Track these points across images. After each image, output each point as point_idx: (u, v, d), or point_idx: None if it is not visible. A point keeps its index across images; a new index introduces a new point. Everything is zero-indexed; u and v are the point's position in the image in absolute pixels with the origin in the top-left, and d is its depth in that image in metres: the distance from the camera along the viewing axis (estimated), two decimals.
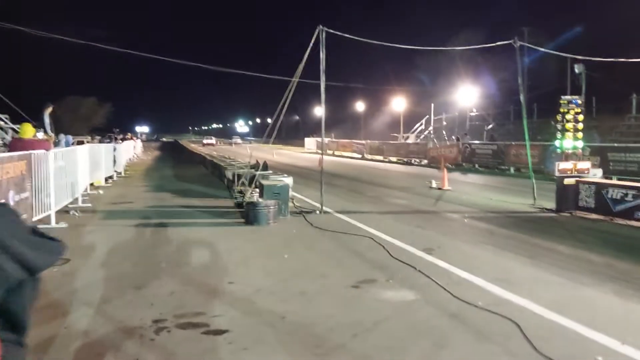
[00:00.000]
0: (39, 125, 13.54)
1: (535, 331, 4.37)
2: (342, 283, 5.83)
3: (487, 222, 10.15)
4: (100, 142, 22.58)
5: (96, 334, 4.29)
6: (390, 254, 7.15)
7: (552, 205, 11.43)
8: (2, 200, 6.31)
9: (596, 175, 11.74)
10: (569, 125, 11.46)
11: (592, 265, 6.72)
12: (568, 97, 11.87)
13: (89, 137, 31.43)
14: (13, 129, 18.42)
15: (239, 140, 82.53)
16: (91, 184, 14.41)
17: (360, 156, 39.62)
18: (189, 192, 14.50)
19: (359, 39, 12.67)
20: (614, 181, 12.74)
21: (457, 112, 41.67)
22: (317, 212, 10.86)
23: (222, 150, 48.27)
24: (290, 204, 10.99)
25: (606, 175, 14.53)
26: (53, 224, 9.00)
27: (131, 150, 34.41)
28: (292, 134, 78.93)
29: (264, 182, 10.92)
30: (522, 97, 13.58)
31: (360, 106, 59.94)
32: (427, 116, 42.77)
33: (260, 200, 9.86)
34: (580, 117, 11.57)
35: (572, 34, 33.74)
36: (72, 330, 4.39)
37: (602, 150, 19.14)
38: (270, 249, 7.67)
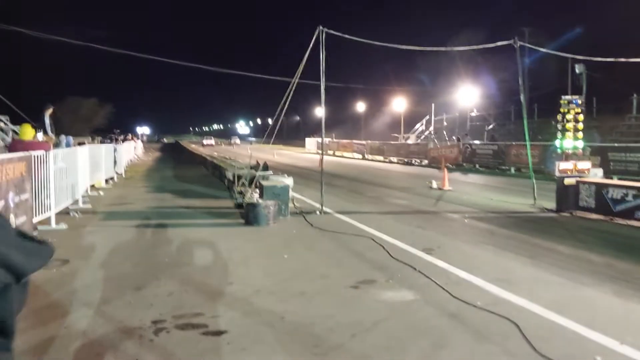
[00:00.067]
0: (39, 126, 13.54)
1: (535, 331, 4.37)
2: (342, 283, 5.83)
3: (488, 222, 10.15)
4: (101, 143, 22.57)
5: (96, 335, 4.29)
6: (390, 254, 7.15)
7: (552, 205, 11.42)
8: None
9: (597, 175, 11.74)
10: (569, 125, 11.46)
11: (592, 265, 6.72)
12: (568, 97, 11.88)
13: (89, 138, 31.44)
14: (13, 131, 18.42)
15: (237, 141, 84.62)
16: (92, 185, 14.41)
17: (360, 156, 39.62)
18: (189, 193, 14.51)
19: (359, 39, 12.67)
20: (614, 181, 12.73)
21: (457, 113, 41.68)
22: (317, 212, 10.86)
23: (222, 150, 48.34)
24: (291, 205, 10.99)
25: (607, 175, 14.52)
26: (53, 225, 9.01)
27: (132, 151, 34.44)
28: (292, 135, 79.00)
29: (264, 182, 10.93)
30: (522, 97, 13.59)
31: (360, 106, 59.94)
32: (428, 116, 42.80)
33: (260, 200, 9.86)
34: (581, 117, 11.57)
35: (572, 35, 33.75)
36: (72, 330, 4.39)
37: (603, 150, 19.13)
38: (270, 249, 7.67)
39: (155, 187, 16.40)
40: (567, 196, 11.07)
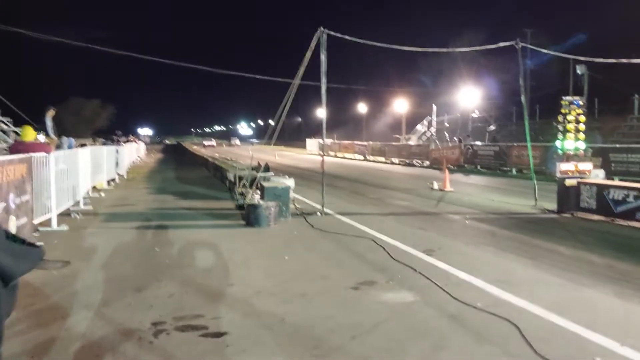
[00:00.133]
0: (41, 128, 13.58)
1: (535, 332, 4.36)
2: (342, 284, 5.83)
3: (489, 223, 10.13)
4: (103, 144, 22.60)
5: (95, 337, 4.30)
6: (390, 256, 7.15)
7: (553, 206, 11.41)
8: None
9: (598, 176, 11.72)
10: (571, 126, 11.44)
11: (592, 267, 6.70)
12: (569, 97, 11.86)
13: (91, 140, 31.48)
14: (15, 132, 18.46)
15: (237, 142, 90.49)
16: (93, 187, 14.44)
17: (362, 157, 39.63)
18: (190, 194, 14.53)
19: (360, 40, 12.66)
20: (615, 182, 12.71)
21: (459, 114, 41.69)
22: (318, 213, 10.86)
23: (223, 151, 48.38)
24: (292, 206, 10.99)
25: (608, 176, 14.50)
26: (54, 226, 9.02)
27: (134, 152, 34.48)
28: (294, 136, 79.10)
29: (265, 183, 10.94)
30: (523, 98, 13.57)
31: (362, 108, 59.94)
32: (429, 117, 42.79)
33: (261, 202, 9.86)
34: (582, 118, 11.56)
35: (578, 40, 33.61)
36: (72, 332, 4.40)
37: (604, 151, 19.12)
38: (270, 250, 7.67)
39: (156, 189, 16.42)
40: (568, 197, 11.05)
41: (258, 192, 10.87)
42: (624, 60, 14.34)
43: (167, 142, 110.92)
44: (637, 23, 28.93)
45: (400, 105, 46.85)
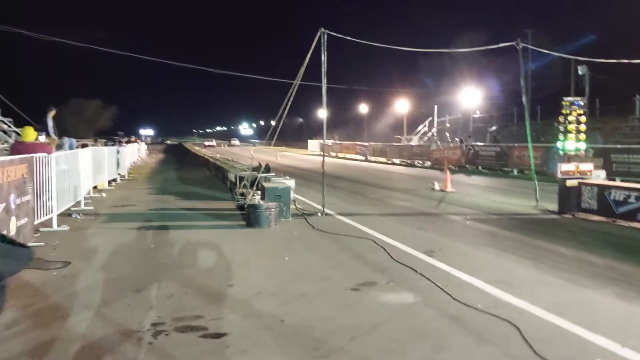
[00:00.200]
0: (42, 128, 13.59)
1: (535, 333, 4.35)
2: (343, 285, 5.82)
3: (490, 224, 10.12)
4: (104, 145, 22.63)
5: (95, 337, 4.29)
6: (391, 256, 7.14)
7: (554, 207, 11.39)
8: None
9: (600, 176, 11.70)
10: (572, 127, 11.43)
11: (593, 267, 6.69)
12: (570, 98, 11.85)
13: (92, 140, 31.52)
14: (16, 132, 18.48)
15: (237, 142, 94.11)
16: (94, 187, 14.45)
17: (363, 158, 39.62)
18: (191, 195, 14.53)
19: (360, 41, 12.65)
20: (617, 183, 12.69)
21: (460, 114, 41.66)
22: (319, 214, 10.85)
23: (224, 152, 48.41)
24: (292, 206, 10.99)
25: (610, 176, 14.48)
26: (55, 227, 9.03)
27: (135, 153, 34.51)
28: (296, 136, 79.13)
29: (266, 184, 10.94)
30: (524, 99, 13.56)
31: (363, 108, 59.93)
32: (430, 118, 42.77)
33: (261, 202, 9.86)
34: (583, 118, 11.54)
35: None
36: (72, 333, 4.40)
37: (606, 152, 19.09)
38: (271, 251, 7.67)
39: (157, 189, 16.42)
40: (569, 198, 11.03)
41: (258, 192, 10.88)
42: (625, 61, 14.32)
43: (169, 142, 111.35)
44: (638, 23, 28.90)
45: (401, 105, 46.84)
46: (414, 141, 41.13)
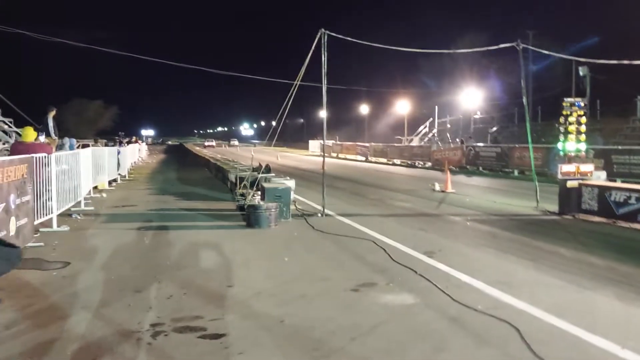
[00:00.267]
0: (42, 128, 13.59)
1: (535, 335, 4.34)
2: (342, 286, 5.81)
3: (490, 224, 10.10)
4: (105, 145, 22.67)
5: (94, 337, 4.29)
6: (391, 257, 7.13)
7: (555, 208, 11.37)
8: None
9: (600, 177, 11.69)
10: (572, 128, 11.41)
11: (593, 269, 6.68)
12: (571, 99, 11.83)
13: (93, 141, 31.54)
14: (16, 133, 18.49)
15: (236, 143, 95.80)
16: (95, 187, 14.45)
17: (364, 159, 39.62)
18: (192, 195, 14.54)
19: (361, 42, 12.64)
20: (617, 184, 12.67)
21: (461, 115, 41.65)
22: (319, 214, 10.85)
23: (224, 152, 48.42)
24: (292, 207, 10.99)
25: (610, 177, 14.47)
26: (55, 227, 9.03)
27: (136, 153, 34.54)
28: (296, 137, 79.12)
29: (266, 184, 10.93)
30: (525, 100, 13.55)
31: (364, 109, 59.93)
32: (431, 118, 42.77)
33: (261, 203, 9.86)
34: (583, 119, 11.53)
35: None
36: (71, 333, 4.39)
37: (606, 153, 19.06)
38: (271, 251, 7.66)
39: (158, 190, 16.43)
40: (569, 199, 11.02)
41: (259, 193, 10.87)
42: (626, 62, 14.30)
43: (170, 142, 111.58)
44: (639, 24, 28.87)
45: (402, 106, 46.84)
46: (415, 142, 41.13)
